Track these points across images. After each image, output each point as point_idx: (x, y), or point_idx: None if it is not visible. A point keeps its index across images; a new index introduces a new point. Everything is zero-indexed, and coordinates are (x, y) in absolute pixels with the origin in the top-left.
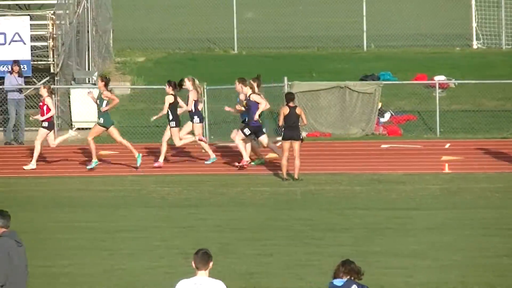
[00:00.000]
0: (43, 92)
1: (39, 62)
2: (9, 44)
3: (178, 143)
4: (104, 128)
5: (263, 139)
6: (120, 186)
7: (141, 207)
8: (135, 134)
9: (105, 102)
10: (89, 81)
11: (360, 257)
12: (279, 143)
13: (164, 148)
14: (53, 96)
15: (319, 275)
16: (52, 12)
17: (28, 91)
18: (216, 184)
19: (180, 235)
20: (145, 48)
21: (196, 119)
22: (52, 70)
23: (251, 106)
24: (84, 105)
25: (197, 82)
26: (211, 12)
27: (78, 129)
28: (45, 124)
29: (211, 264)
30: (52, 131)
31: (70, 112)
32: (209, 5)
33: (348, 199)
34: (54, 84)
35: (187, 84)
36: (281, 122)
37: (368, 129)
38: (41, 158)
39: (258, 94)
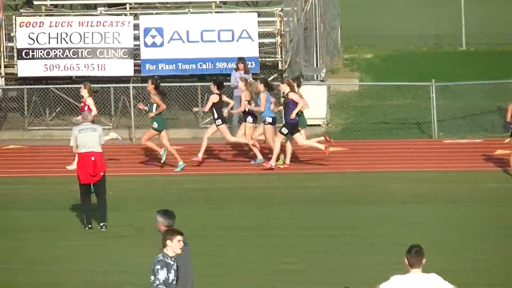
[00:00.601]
0: (84, 92)
1: (267, 59)
2: (237, 41)
3: (230, 138)
4: (157, 132)
5: (298, 137)
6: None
7: (369, 204)
8: (363, 130)
9: (154, 106)
10: (317, 78)
11: None
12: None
13: (204, 144)
14: (94, 96)
15: None
16: (280, 9)
17: None
18: (438, 181)
19: (405, 231)
20: (373, 45)
21: (249, 118)
22: (280, 67)
23: (288, 104)
24: (313, 101)
25: (250, 83)
26: (439, 9)
27: (308, 125)
28: None
29: (424, 261)
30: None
31: None
32: (437, 1)
33: None
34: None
35: (240, 84)
36: (508, 118)
37: None
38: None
39: (297, 93)
